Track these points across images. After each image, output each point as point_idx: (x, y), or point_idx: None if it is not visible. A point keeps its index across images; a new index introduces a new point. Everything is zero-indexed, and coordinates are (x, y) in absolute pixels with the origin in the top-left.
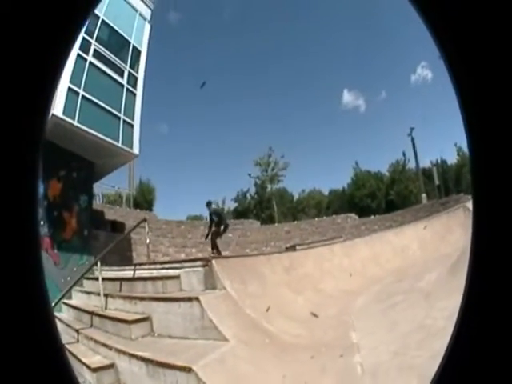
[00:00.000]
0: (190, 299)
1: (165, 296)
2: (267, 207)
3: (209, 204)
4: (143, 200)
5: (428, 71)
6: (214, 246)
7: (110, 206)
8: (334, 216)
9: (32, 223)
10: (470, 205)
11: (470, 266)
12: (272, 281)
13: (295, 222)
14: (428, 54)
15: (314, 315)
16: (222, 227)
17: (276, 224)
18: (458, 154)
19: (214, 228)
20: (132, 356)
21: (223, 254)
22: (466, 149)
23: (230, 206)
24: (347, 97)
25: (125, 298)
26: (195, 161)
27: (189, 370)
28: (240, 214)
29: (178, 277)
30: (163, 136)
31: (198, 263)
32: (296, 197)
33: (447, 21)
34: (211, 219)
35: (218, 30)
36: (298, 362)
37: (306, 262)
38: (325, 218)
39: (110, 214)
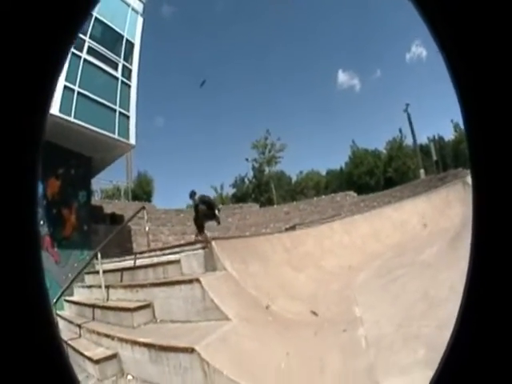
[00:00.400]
0: (190, 281)
1: (165, 281)
2: (265, 190)
3: (193, 195)
4: (142, 192)
5: (422, 49)
6: (201, 231)
7: (109, 200)
8: (332, 195)
9: (32, 223)
10: (469, 179)
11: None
12: (273, 260)
13: (294, 203)
14: (422, 32)
15: (314, 313)
16: (216, 211)
17: (275, 206)
18: (456, 131)
19: (204, 215)
20: (134, 343)
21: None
22: (462, 125)
23: (229, 191)
24: (342, 77)
25: (126, 287)
26: (193, 151)
27: (191, 350)
28: (239, 199)
29: (178, 261)
30: (159, 128)
31: (198, 246)
32: (294, 179)
33: (444, 12)
34: (197, 211)
35: (211, 20)
36: (301, 339)
37: (307, 240)
38: (323, 197)
39: (109, 209)
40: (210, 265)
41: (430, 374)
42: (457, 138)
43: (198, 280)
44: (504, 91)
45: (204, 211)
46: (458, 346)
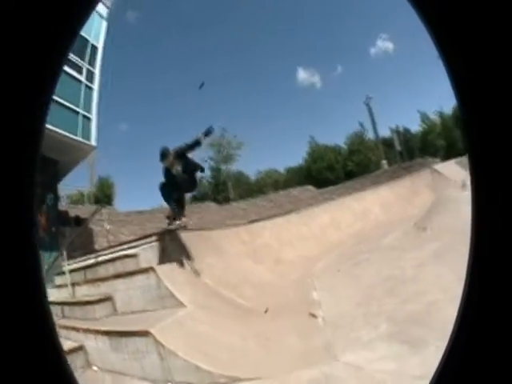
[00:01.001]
0: (146, 270)
1: (123, 272)
2: (223, 190)
3: (165, 153)
4: (103, 195)
5: (389, 43)
6: (182, 211)
7: (73, 205)
8: (290, 189)
9: (31, 222)
10: (438, 166)
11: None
12: (230, 252)
13: (251, 199)
14: (387, 26)
15: (313, 315)
16: (198, 171)
17: (233, 203)
18: (424, 122)
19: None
20: (96, 332)
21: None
22: (431, 115)
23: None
24: (302, 74)
25: (88, 282)
26: (153, 153)
27: (146, 333)
28: (198, 199)
29: (136, 255)
30: (123, 132)
31: (154, 238)
32: (253, 179)
33: (445, 19)
34: (172, 176)
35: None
36: (258, 323)
37: (264, 233)
38: (281, 192)
39: (73, 213)
40: (166, 256)
41: (393, 345)
42: (425, 129)
43: (152, 269)
44: (501, 88)
45: (183, 177)
46: (458, 345)
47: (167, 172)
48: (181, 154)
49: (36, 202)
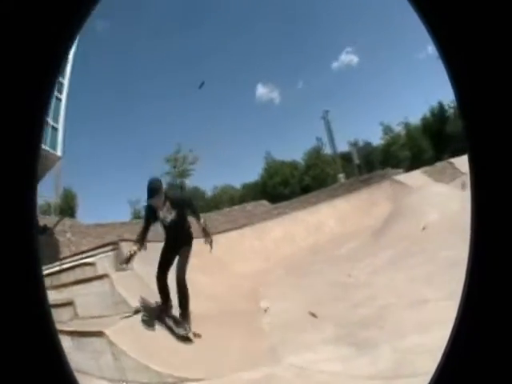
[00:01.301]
0: (101, 277)
1: (81, 278)
2: None
3: (154, 191)
4: (67, 207)
5: (353, 56)
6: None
7: (42, 216)
8: (244, 204)
9: (30, 222)
10: (399, 177)
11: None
12: None
13: (206, 214)
14: (350, 39)
15: (313, 315)
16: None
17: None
18: (386, 134)
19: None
20: (61, 332)
21: None
22: (395, 127)
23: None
24: (261, 90)
25: (51, 288)
26: (119, 166)
27: (101, 334)
28: None
29: (93, 263)
30: (87, 144)
31: (109, 248)
32: (210, 194)
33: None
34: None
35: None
36: (206, 328)
37: (216, 246)
38: (235, 207)
39: (42, 223)
40: (120, 265)
41: (340, 348)
42: (387, 142)
43: (107, 275)
44: (501, 88)
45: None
46: (457, 344)
47: (149, 217)
48: (176, 202)
49: (36, 203)
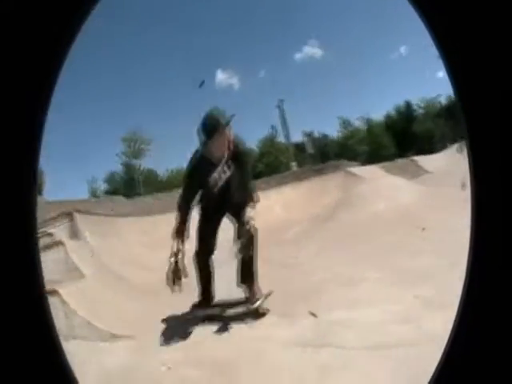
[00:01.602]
0: (56, 244)
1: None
2: (133, 185)
3: (214, 128)
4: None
5: (317, 49)
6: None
7: None
8: None
9: (30, 222)
10: (354, 169)
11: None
12: (129, 238)
13: (158, 194)
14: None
15: (313, 315)
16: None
17: (141, 198)
18: (344, 127)
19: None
20: None
21: None
22: (354, 122)
23: (101, 186)
24: (220, 76)
25: None
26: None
27: (55, 292)
28: (111, 193)
29: (52, 234)
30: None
31: (66, 220)
32: (163, 177)
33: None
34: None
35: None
36: (153, 298)
37: (164, 226)
38: None
39: None
40: (74, 235)
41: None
42: (345, 135)
43: (62, 243)
44: (501, 88)
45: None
46: (457, 345)
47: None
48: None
49: (36, 203)
